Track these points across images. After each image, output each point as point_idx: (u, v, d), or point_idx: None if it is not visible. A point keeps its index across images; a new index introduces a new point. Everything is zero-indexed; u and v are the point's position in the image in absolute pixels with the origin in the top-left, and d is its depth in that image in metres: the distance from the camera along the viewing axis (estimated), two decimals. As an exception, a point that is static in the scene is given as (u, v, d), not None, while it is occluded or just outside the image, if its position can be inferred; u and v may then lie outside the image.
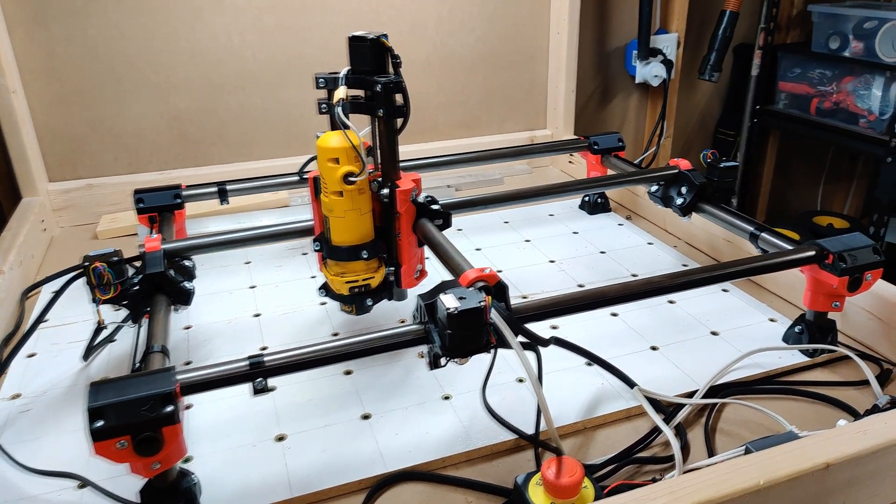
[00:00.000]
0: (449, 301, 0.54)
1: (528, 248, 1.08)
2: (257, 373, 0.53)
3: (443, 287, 0.58)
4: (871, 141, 1.48)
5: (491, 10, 1.38)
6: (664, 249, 1.07)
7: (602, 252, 1.07)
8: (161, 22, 1.19)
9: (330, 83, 0.70)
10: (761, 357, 0.77)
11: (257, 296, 0.94)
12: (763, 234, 0.86)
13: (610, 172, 1.18)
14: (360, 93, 0.71)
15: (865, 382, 0.72)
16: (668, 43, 1.57)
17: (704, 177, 0.97)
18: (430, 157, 1.14)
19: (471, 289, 0.57)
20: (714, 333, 0.83)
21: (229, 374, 0.53)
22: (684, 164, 0.99)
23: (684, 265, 1.02)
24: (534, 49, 1.44)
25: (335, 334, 0.83)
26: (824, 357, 0.78)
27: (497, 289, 0.59)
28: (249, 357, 0.54)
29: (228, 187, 1.02)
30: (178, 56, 1.21)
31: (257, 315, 0.88)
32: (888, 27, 1.46)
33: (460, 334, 0.54)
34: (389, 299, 0.78)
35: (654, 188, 1.02)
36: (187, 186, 0.99)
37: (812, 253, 0.75)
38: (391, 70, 0.70)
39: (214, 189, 1.01)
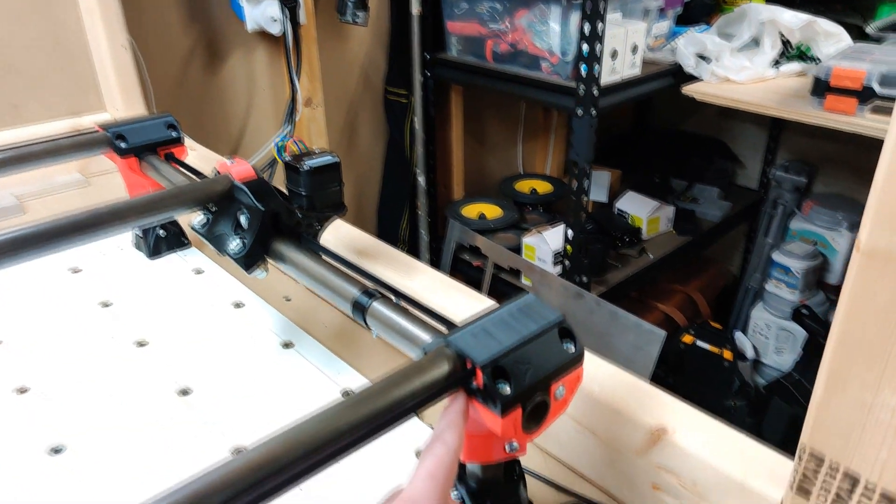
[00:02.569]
0: None
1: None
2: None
3: None
4: (558, 90, 1.18)
5: None
6: (260, 314, 0.61)
7: (141, 345, 0.57)
8: None
9: None
10: None
11: None
12: (374, 305, 0.43)
13: (165, 185, 0.67)
14: None
15: None
16: (285, -30, 1.08)
17: (281, 192, 0.52)
18: None
19: None
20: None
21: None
22: (242, 170, 0.52)
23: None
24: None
25: None
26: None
27: None
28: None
29: None
30: None
31: None
32: (556, -56, 1.15)
33: None
34: None
35: (197, 220, 0.54)
36: None
37: (444, 371, 0.33)
38: None
39: None
